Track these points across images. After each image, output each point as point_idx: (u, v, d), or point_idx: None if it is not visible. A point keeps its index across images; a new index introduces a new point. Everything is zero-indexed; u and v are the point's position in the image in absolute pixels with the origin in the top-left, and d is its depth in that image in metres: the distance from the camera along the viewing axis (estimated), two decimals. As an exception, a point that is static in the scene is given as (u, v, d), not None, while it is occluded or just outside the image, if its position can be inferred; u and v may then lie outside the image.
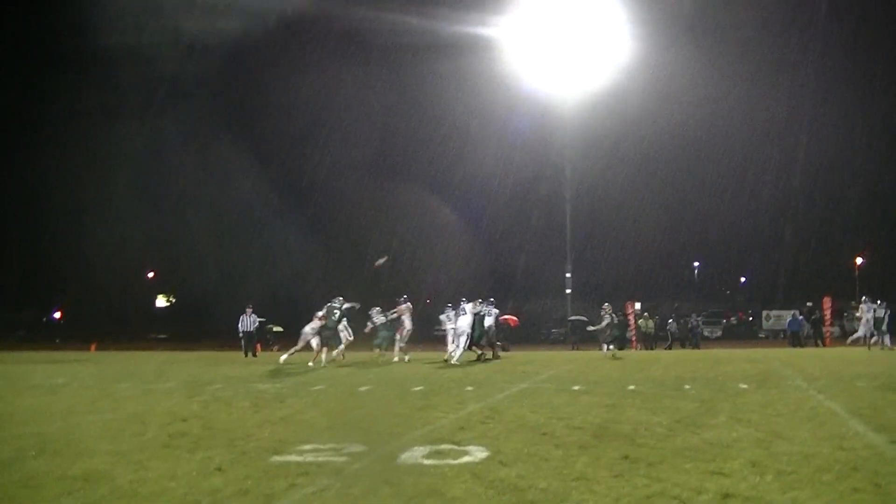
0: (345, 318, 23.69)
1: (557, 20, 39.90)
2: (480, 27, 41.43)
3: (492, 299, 25.72)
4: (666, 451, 7.52)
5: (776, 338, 47.73)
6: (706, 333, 43.33)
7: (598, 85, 43.26)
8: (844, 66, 52.98)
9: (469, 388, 14.47)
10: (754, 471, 6.54)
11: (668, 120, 50.53)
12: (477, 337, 23.37)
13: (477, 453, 7.56)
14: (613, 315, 27.51)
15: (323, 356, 22.05)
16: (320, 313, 22.26)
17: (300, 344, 22.05)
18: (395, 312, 24.37)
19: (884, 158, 57.92)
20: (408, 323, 24.18)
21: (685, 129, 51.53)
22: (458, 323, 23.17)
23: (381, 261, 26.76)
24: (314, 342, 21.80)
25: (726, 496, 5.77)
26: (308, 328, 21.91)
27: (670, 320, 42.27)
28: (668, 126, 51.34)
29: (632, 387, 14.48)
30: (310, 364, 21.26)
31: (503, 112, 45.41)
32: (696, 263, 73.33)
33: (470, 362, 22.33)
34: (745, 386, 14.08)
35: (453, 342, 23.48)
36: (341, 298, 23.51)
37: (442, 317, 25.72)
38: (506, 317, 28.72)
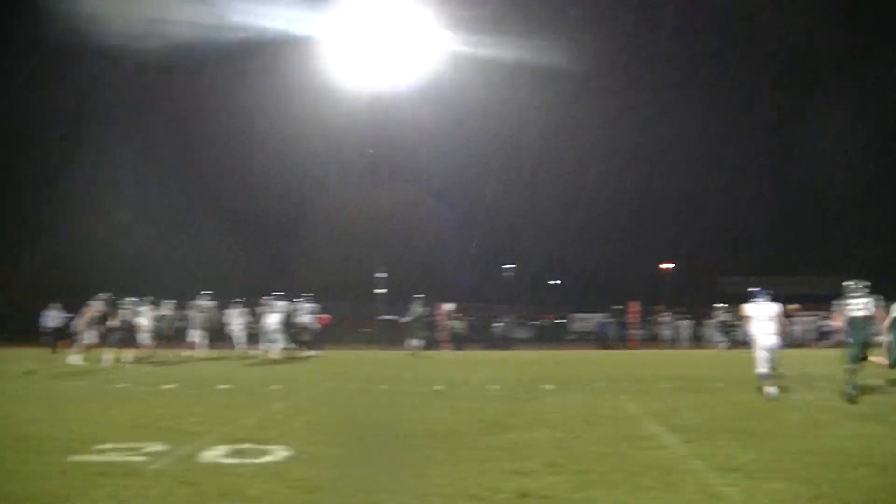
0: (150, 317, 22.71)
1: (375, 17, 39.81)
2: (296, 25, 40.73)
3: (306, 296, 25.40)
4: (467, 452, 7.50)
5: (585, 340, 49.46)
6: (517, 335, 44.33)
7: (417, 81, 43.43)
8: (640, 68, 55.38)
9: (274, 388, 14.05)
10: (551, 470, 6.60)
11: (482, 120, 51.21)
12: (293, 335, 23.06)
13: (279, 452, 7.36)
14: (424, 308, 27.77)
15: (121, 355, 20.90)
16: (95, 307, 21.22)
17: (85, 341, 20.85)
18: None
19: (694, 165, 61.32)
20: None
21: (499, 129, 52.47)
22: (267, 320, 22.69)
23: None
24: (88, 337, 20.75)
25: (523, 495, 5.79)
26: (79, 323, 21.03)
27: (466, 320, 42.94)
28: (483, 126, 51.99)
29: (438, 387, 14.50)
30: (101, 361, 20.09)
31: (321, 111, 44.63)
32: (508, 266, 75.09)
33: (277, 361, 21.80)
34: (549, 387, 14.37)
35: (262, 341, 23.00)
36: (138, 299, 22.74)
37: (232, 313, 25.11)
38: (317, 315, 28.43)
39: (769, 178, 66.17)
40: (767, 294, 13.35)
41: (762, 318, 12.97)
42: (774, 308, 12.99)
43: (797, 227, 66.86)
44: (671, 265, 64.54)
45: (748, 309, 13.27)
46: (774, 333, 12.82)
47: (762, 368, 12.65)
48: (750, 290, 14.12)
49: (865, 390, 12.22)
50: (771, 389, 12.31)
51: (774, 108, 58.30)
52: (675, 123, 58.12)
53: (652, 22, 49.09)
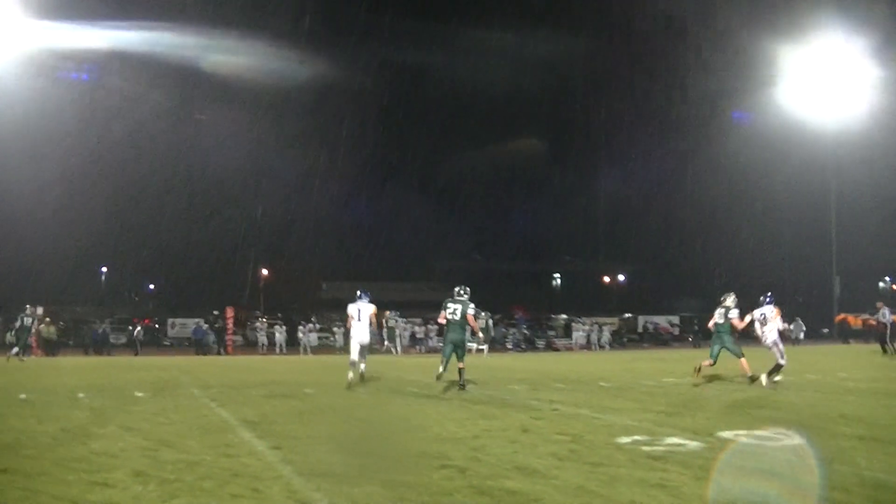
0: None
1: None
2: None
3: None
4: (48, 462, 7.08)
5: (181, 345, 48.29)
6: (112, 340, 42.22)
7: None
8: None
9: None
10: (138, 480, 6.40)
11: (93, 127, 48.17)
12: None
13: None
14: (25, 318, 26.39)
15: None
16: None
17: None
18: None
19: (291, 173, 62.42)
20: None
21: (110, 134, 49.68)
22: None
23: None
24: None
25: None
26: None
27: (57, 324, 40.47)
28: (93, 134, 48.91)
29: (22, 395, 13.41)
30: None
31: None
32: (104, 269, 70.99)
33: None
34: (141, 394, 13.89)
35: None
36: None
37: None
38: None
39: (372, 190, 69.60)
40: (368, 296, 15.16)
41: (359, 317, 15.32)
42: (370, 309, 15.43)
43: (398, 236, 71.18)
44: (267, 271, 65.23)
45: (350, 308, 15.53)
46: (367, 332, 15.43)
47: (353, 356, 15.38)
48: (358, 292, 15.67)
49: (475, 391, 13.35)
50: (350, 374, 15.20)
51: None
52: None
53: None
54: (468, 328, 15.08)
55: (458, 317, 14.51)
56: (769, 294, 16.03)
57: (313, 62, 51.82)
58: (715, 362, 15.82)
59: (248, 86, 51.08)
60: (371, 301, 15.54)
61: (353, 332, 15.43)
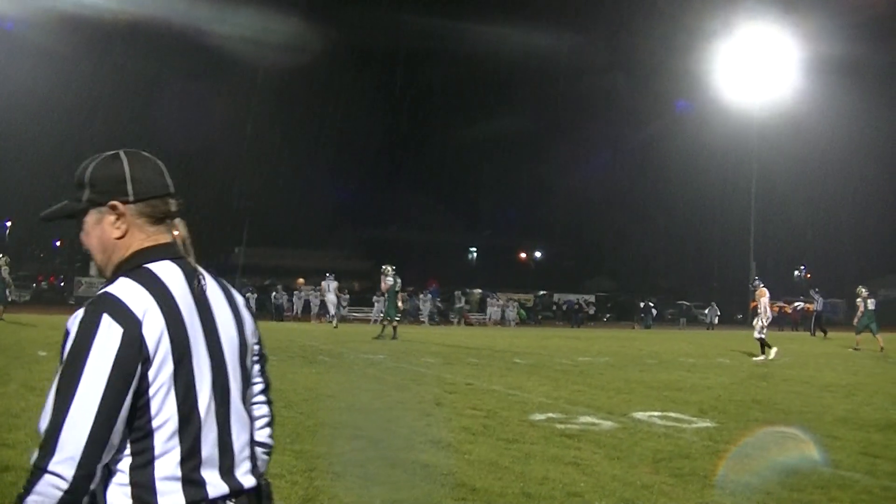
0: None
1: None
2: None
3: None
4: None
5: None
6: (14, 298, 40.74)
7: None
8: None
9: None
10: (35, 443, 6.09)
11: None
12: None
13: None
14: None
15: None
16: None
17: None
18: None
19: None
20: None
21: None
22: None
23: None
24: None
25: (6, 468, 5.37)
26: None
27: None
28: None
29: None
30: None
31: None
32: (8, 223, 68.31)
33: None
34: (44, 353, 13.35)
35: None
36: None
37: None
38: None
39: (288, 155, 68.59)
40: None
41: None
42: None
43: (314, 203, 70.37)
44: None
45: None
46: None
47: None
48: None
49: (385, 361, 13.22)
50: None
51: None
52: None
53: None
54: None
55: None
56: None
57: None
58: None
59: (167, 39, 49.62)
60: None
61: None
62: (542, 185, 74.18)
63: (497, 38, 62.64)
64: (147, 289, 1.78)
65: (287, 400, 9.02)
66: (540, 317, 52.75)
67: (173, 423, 1.75)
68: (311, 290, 40.02)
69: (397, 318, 21.77)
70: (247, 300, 2.06)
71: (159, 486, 1.73)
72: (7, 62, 44.27)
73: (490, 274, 67.19)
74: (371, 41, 65.87)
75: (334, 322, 30.26)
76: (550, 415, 8.62)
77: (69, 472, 1.60)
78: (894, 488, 5.81)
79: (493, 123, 72.45)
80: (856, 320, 22.67)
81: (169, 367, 1.74)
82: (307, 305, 40.40)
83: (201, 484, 1.77)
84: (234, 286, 2.04)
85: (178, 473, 1.74)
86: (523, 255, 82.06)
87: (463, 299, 47.64)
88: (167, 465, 1.74)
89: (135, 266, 1.84)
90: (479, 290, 54.18)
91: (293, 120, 62.80)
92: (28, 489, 1.62)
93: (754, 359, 17.40)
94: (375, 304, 38.31)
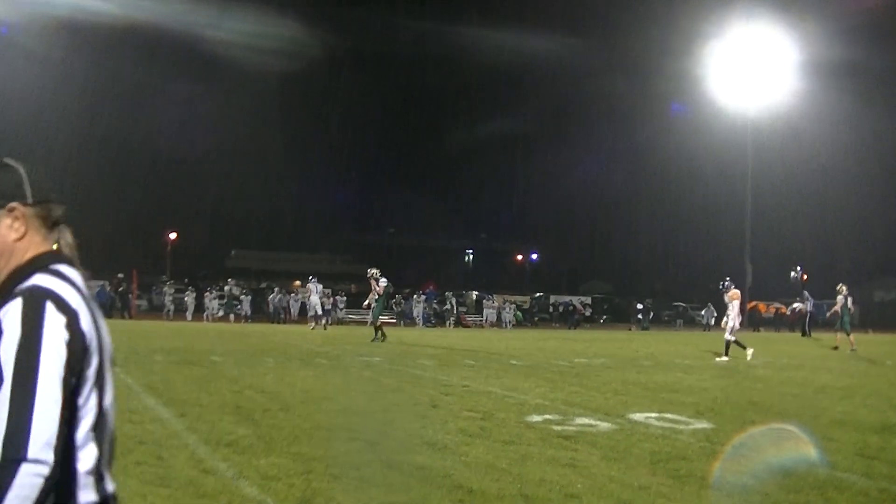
0: None
1: None
2: None
3: None
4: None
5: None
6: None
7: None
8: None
9: None
10: None
11: None
12: None
13: None
14: None
15: None
16: None
17: None
18: None
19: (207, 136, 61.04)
20: None
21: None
22: None
23: None
24: None
25: None
26: None
27: None
28: None
29: None
30: None
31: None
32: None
33: None
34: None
35: None
36: None
37: None
38: None
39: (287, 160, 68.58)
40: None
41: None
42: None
43: (311, 207, 70.27)
44: (174, 235, 63.40)
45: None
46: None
47: None
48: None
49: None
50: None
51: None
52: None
53: None
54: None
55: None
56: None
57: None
58: None
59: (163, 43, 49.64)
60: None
61: None
62: (537, 187, 74.28)
63: (493, 44, 62.87)
64: (70, 286, 1.79)
65: (284, 402, 9.01)
66: (536, 319, 52.70)
67: (93, 417, 1.75)
68: (307, 293, 40.05)
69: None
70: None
71: (81, 479, 1.71)
72: (1, 67, 44.22)
73: (486, 276, 67.23)
74: (367, 45, 66.18)
75: (313, 324, 30.03)
76: (547, 416, 8.61)
77: (49, 456, 1.57)
78: (891, 490, 5.81)
79: (488, 127, 72.59)
80: (829, 314, 23.71)
81: (95, 361, 1.76)
82: (303, 308, 40.37)
83: (105, 480, 1.78)
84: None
85: (93, 467, 1.74)
86: (519, 257, 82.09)
87: (454, 301, 47.59)
88: (87, 458, 1.72)
89: (41, 267, 1.82)
90: (475, 293, 54.22)
91: (290, 124, 62.85)
92: (5, 486, 1.54)
93: (717, 359, 17.30)
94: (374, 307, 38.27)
